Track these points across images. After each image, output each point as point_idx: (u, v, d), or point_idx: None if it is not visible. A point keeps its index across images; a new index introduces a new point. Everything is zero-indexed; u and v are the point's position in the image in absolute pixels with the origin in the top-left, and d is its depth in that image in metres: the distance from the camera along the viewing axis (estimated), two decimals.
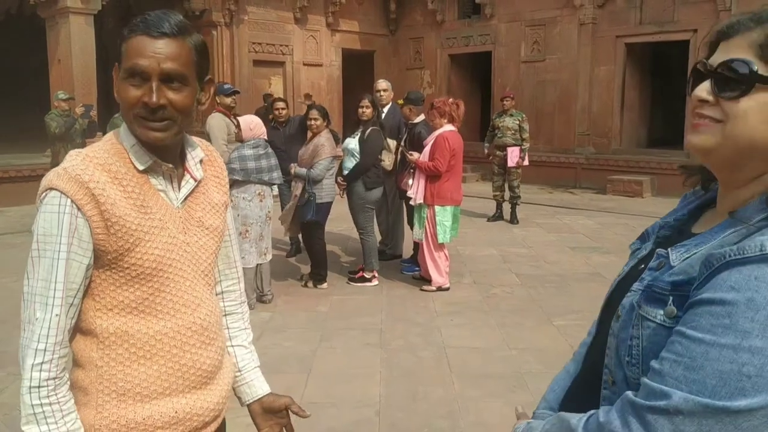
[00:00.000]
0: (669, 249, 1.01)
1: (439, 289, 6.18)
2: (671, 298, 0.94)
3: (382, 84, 7.25)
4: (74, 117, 9.18)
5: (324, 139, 6.04)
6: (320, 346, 4.84)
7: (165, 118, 1.33)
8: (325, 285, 6.32)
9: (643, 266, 1.08)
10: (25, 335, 1.26)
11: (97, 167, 1.31)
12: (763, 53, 0.92)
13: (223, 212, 1.55)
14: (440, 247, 6.15)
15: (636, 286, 1.03)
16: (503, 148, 9.45)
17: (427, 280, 6.26)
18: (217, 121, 6.57)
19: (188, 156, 1.47)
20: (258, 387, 1.66)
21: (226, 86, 7.00)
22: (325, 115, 6.20)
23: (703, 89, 0.97)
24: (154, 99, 1.30)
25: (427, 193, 6.06)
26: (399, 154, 6.59)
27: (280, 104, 7.54)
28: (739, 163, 0.96)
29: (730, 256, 0.87)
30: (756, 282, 0.83)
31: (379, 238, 7.21)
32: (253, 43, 13.71)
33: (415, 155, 6.12)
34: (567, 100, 13.64)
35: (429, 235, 6.11)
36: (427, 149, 6.08)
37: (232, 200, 5.62)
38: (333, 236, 8.11)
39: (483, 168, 14.35)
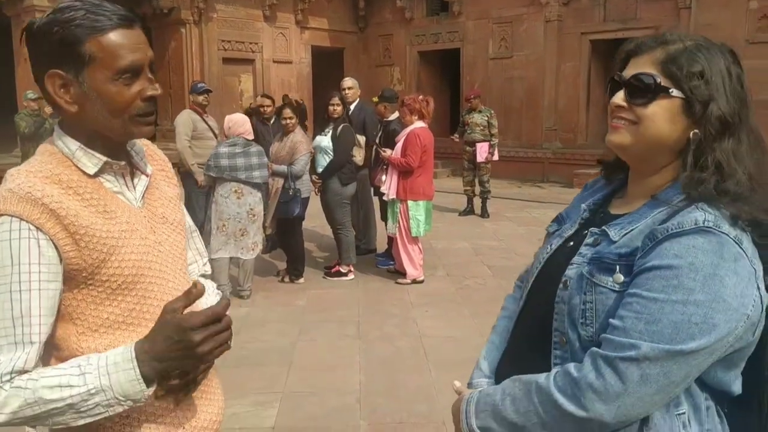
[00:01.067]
0: (603, 228, 1.23)
1: (414, 281, 6.32)
2: (617, 266, 1.14)
3: (347, 82, 7.35)
4: (43, 117, 9.11)
5: (300, 135, 6.16)
6: (300, 339, 4.94)
7: (156, 110, 1.29)
8: (302, 280, 6.42)
9: (572, 243, 1.29)
10: None
11: (45, 180, 1.17)
12: (664, 68, 1.15)
13: (180, 204, 1.48)
14: (414, 240, 6.30)
15: (577, 259, 1.23)
16: (472, 143, 9.63)
17: (402, 274, 6.40)
18: (183, 118, 6.81)
19: (132, 152, 1.35)
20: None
21: (199, 85, 7.13)
22: (299, 112, 6.34)
23: (619, 97, 1.19)
24: (159, 89, 1.25)
25: (399, 189, 6.19)
26: (373, 150, 6.70)
27: (266, 101, 7.80)
28: (649, 156, 1.20)
29: (671, 229, 1.09)
30: (694, 250, 1.06)
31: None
32: (223, 41, 13.68)
33: (388, 152, 6.25)
34: (534, 96, 13.90)
35: (403, 229, 6.25)
36: (399, 145, 6.21)
37: (213, 196, 5.74)
38: (307, 232, 8.18)
39: (453, 164, 14.53)
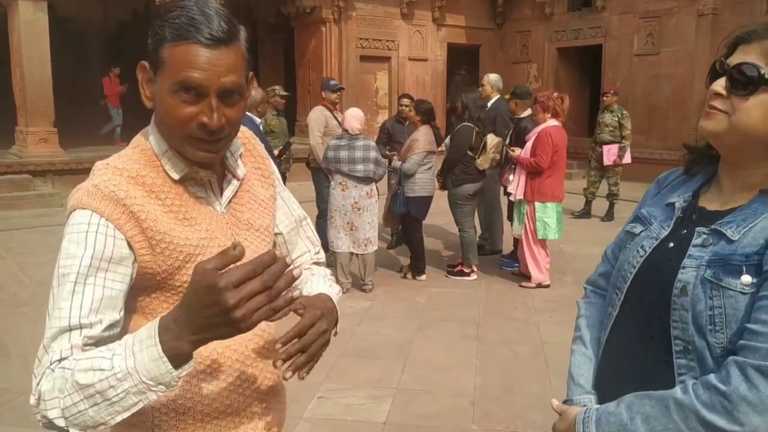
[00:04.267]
0: (713, 226, 1.15)
1: (539, 285, 6.11)
2: (744, 267, 1.08)
3: (484, 79, 7.37)
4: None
5: (421, 134, 6.17)
6: (417, 336, 4.93)
7: (221, 138, 1.17)
8: (423, 277, 6.41)
9: (672, 244, 1.20)
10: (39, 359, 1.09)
11: (130, 181, 1.16)
12: None
13: (271, 207, 1.39)
14: (540, 243, 6.08)
15: (690, 262, 1.14)
16: (601, 144, 9.24)
17: (527, 277, 6.20)
18: (316, 114, 7.00)
19: (227, 153, 1.29)
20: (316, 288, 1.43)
21: (332, 83, 7.31)
22: (424, 110, 6.37)
23: (719, 85, 1.13)
24: (215, 120, 1.13)
25: (527, 190, 6.00)
26: (502, 149, 6.54)
27: (405, 100, 7.56)
28: (742, 147, 1.16)
29: None
30: None
31: (479, 232, 7.23)
32: (361, 39, 13.98)
33: (517, 151, 6.08)
34: (682, 95, 12.96)
35: (529, 231, 6.05)
36: (528, 144, 6.01)
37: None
38: (434, 229, 8.19)
39: (588, 165, 13.95)
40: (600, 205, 9.68)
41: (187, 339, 0.97)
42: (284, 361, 1.17)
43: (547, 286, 6.13)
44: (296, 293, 0.99)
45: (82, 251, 1.10)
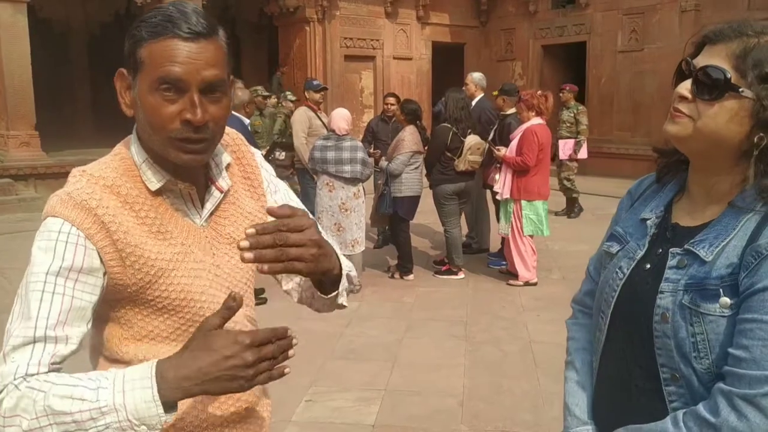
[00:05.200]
0: (686, 246, 1.11)
1: (527, 283, 6.11)
2: (721, 290, 1.04)
3: (467, 77, 7.41)
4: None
5: (407, 133, 6.16)
6: (405, 336, 4.91)
7: (205, 138, 1.13)
8: (411, 276, 6.39)
9: (648, 266, 1.17)
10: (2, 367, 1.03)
11: (105, 190, 1.13)
12: (737, 64, 1.05)
13: (259, 220, 1.28)
14: (527, 241, 6.07)
15: (667, 286, 1.11)
16: (557, 140, 9.36)
17: (514, 275, 6.20)
18: (300, 115, 6.97)
19: (212, 163, 1.25)
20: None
21: (315, 83, 7.29)
22: (408, 110, 6.35)
23: (685, 88, 1.09)
24: (199, 115, 1.09)
25: (513, 188, 6.00)
26: (485, 148, 6.53)
27: (390, 99, 7.54)
28: (709, 152, 1.12)
29: None
30: None
31: (465, 231, 7.22)
32: (345, 38, 13.94)
33: (502, 150, 6.07)
34: (667, 90, 12.83)
35: (515, 229, 6.05)
36: (514, 143, 6.01)
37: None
38: (421, 229, 8.17)
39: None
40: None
41: (184, 388, 1.00)
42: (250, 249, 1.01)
43: (535, 284, 6.12)
44: (286, 370, 1.06)
45: (50, 260, 1.07)
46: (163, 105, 1.09)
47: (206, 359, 0.99)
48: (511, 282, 6.17)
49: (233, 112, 5.52)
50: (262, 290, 5.33)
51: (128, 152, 1.20)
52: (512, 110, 6.59)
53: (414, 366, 4.35)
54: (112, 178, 1.15)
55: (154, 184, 1.17)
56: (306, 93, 7.13)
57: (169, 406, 1.00)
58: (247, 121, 5.76)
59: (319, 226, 1.17)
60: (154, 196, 1.18)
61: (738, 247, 1.05)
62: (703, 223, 1.14)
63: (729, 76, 1.05)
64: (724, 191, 1.12)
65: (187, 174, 1.20)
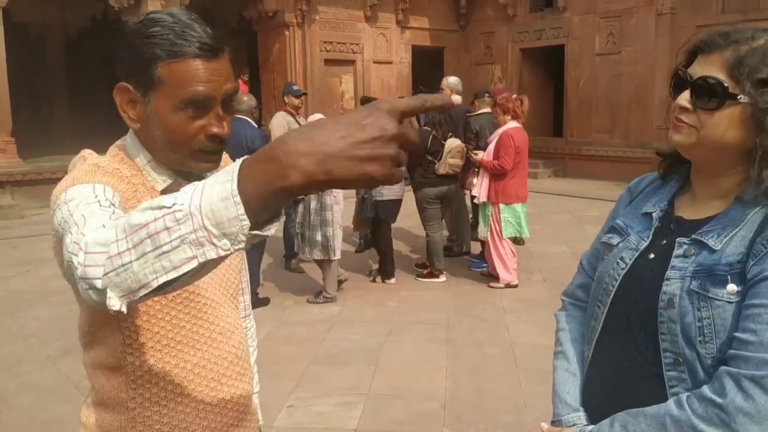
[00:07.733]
0: (693, 236, 1.16)
1: (508, 286, 6.14)
2: (729, 276, 1.10)
3: (443, 82, 7.51)
4: None
5: None
6: (388, 340, 4.91)
7: (223, 147, 1.17)
8: (393, 280, 6.39)
9: (652, 256, 1.21)
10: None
11: (123, 180, 1.17)
12: (732, 73, 1.10)
13: None
14: (507, 243, 6.11)
15: (674, 273, 1.15)
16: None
17: (495, 277, 6.23)
18: (278, 120, 6.91)
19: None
20: None
21: (294, 87, 7.25)
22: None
23: (684, 99, 1.14)
24: (226, 129, 1.14)
25: (491, 192, 6.04)
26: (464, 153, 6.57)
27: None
28: (713, 158, 1.18)
29: None
30: None
31: (446, 234, 7.24)
32: (325, 42, 13.93)
33: (480, 155, 6.11)
34: (644, 93, 13.18)
35: (494, 232, 6.08)
36: (491, 147, 6.05)
37: None
38: (402, 232, 8.18)
39: (555, 164, 14.11)
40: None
41: (298, 167, 0.68)
42: None
43: (516, 286, 6.16)
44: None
45: (91, 193, 1.01)
46: (187, 123, 1.12)
47: (333, 127, 0.70)
48: (493, 284, 6.20)
49: (248, 119, 5.54)
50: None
51: (126, 155, 1.22)
52: (481, 111, 6.79)
53: (396, 370, 4.35)
54: (124, 169, 1.18)
55: (161, 184, 1.21)
56: (285, 98, 7.06)
57: (257, 210, 0.72)
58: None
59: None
60: (158, 194, 1.20)
61: (746, 238, 1.11)
62: (707, 216, 1.19)
63: (726, 85, 1.10)
64: (727, 188, 1.18)
65: (192, 176, 1.21)
